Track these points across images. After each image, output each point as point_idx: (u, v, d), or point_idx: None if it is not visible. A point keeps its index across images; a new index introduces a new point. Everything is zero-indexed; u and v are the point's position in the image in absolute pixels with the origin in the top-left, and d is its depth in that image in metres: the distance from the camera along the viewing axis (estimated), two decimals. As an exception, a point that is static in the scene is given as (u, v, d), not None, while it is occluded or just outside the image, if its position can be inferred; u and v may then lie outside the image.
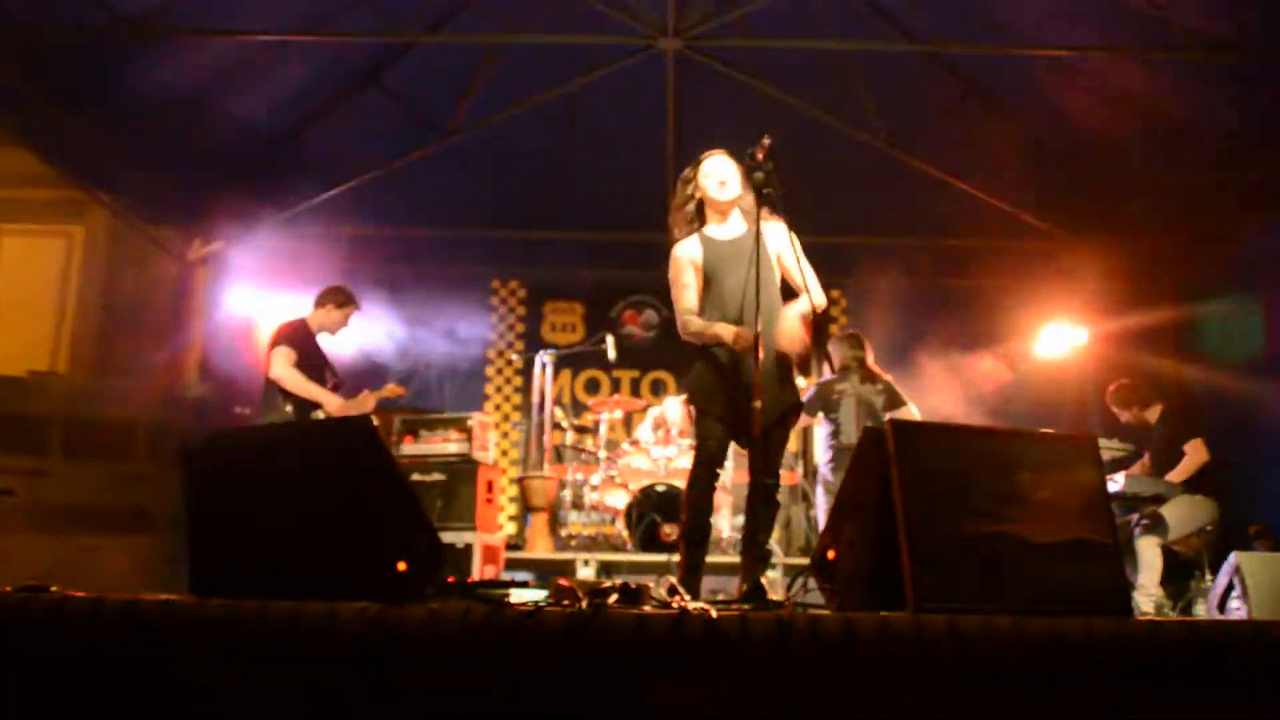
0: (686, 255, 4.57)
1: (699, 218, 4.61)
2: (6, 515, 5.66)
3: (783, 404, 4.43)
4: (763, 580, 3.98)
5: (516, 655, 2.59)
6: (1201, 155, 7.29)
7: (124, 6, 6.34)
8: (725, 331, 4.33)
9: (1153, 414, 6.92)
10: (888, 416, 6.98)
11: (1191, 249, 8.08)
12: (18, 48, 6.51)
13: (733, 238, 4.54)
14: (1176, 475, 6.57)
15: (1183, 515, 6.44)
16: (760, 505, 4.36)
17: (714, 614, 2.62)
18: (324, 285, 6.50)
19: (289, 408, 5.98)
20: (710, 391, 4.45)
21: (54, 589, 2.97)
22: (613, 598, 2.76)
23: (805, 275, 4.46)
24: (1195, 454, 6.61)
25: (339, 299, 6.38)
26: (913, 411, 7.06)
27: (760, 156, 4.08)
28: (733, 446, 4.51)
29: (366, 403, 6.38)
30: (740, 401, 4.25)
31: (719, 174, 4.53)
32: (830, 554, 3.18)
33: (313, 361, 6.18)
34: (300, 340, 6.17)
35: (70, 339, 9.63)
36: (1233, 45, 6.28)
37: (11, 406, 8.11)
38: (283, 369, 6.00)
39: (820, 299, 4.42)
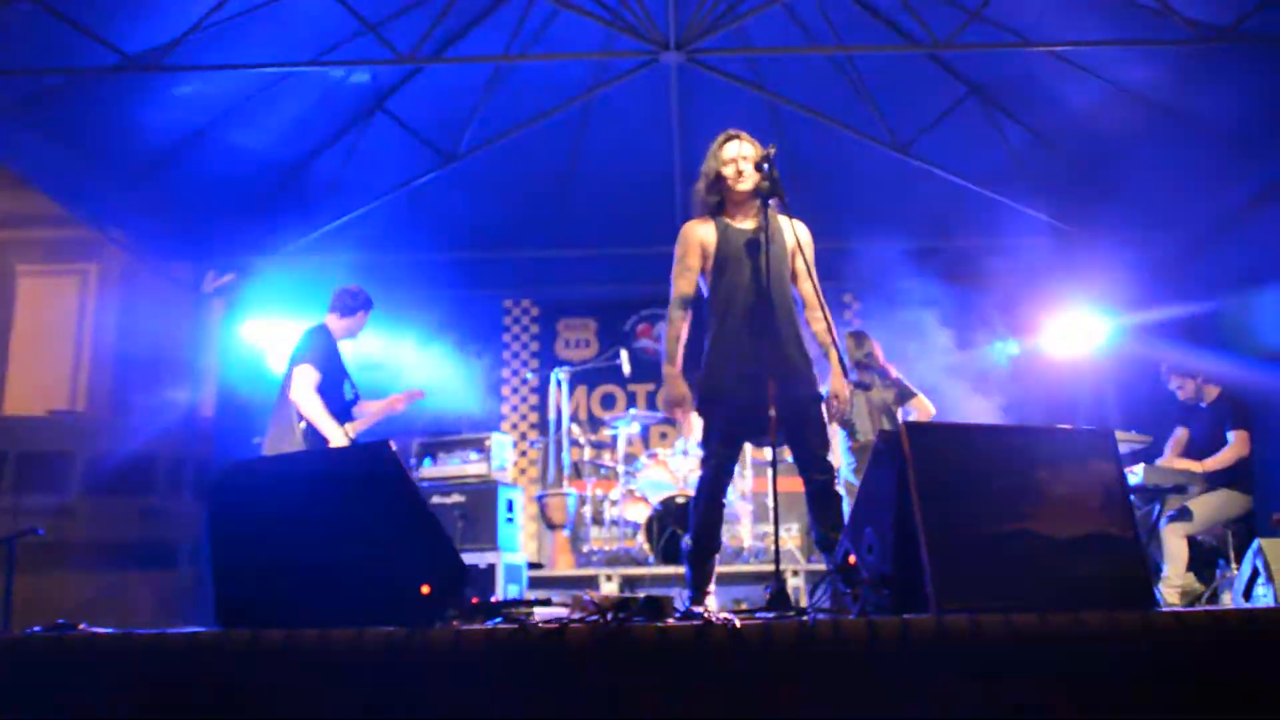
0: (698, 237, 4.38)
1: (719, 208, 4.42)
2: (34, 555, 5.69)
3: (798, 398, 4.20)
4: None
5: (542, 672, 2.60)
6: (1214, 144, 7.25)
7: (127, 45, 6.40)
8: (667, 383, 4.33)
9: (1211, 392, 6.88)
10: (900, 411, 6.99)
11: (1207, 241, 8.04)
12: (23, 91, 6.55)
13: (750, 227, 4.34)
14: (1213, 462, 6.52)
15: (1215, 507, 6.35)
16: (816, 504, 4.21)
17: (738, 624, 2.62)
18: (337, 289, 6.12)
19: (300, 435, 5.60)
20: (712, 398, 4.28)
21: (80, 627, 3.00)
22: (635, 611, 2.76)
23: (815, 283, 4.31)
24: (1239, 445, 6.53)
25: (351, 304, 6.01)
26: (925, 401, 7.04)
27: (764, 167, 4.09)
28: (750, 453, 4.40)
29: (396, 405, 6.25)
30: (748, 404, 4.10)
31: (737, 160, 4.32)
32: (851, 558, 3.18)
33: (334, 373, 5.82)
34: (323, 353, 5.78)
35: (88, 376, 9.73)
36: (1238, 33, 6.24)
37: (34, 446, 8.18)
38: (303, 392, 5.60)
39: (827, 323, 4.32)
